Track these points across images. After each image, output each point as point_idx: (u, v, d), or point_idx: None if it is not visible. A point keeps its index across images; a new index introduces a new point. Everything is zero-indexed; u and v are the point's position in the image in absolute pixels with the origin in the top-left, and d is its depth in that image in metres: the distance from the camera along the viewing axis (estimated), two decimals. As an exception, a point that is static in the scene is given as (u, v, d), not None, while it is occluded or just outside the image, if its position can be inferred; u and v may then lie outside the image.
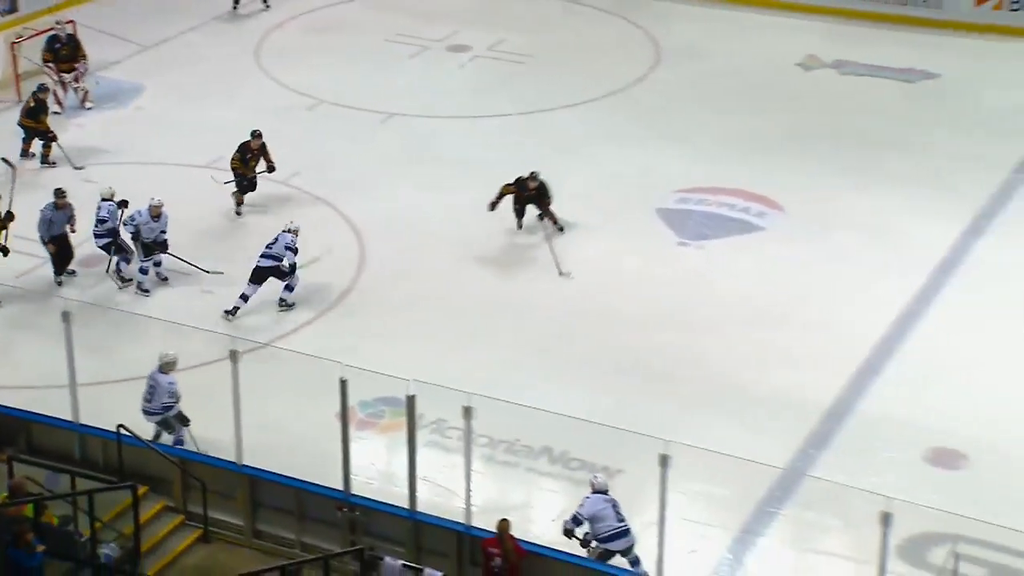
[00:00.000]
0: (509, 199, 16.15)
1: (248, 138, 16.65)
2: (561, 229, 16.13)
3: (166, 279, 15.08)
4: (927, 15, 22.16)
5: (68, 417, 12.03)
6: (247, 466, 11.58)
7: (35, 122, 17.64)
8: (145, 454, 11.58)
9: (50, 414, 12.16)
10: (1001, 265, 15.48)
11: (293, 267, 14.50)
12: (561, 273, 15.20)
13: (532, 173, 16.03)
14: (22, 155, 17.58)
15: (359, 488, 11.45)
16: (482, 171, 17.72)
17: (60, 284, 14.98)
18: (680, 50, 21.65)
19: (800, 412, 12.99)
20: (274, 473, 11.59)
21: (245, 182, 16.63)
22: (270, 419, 12.27)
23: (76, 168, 17.57)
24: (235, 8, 23.10)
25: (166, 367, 11.93)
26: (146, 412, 11.99)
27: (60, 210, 14.91)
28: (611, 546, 10.92)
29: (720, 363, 13.84)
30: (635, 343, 14.17)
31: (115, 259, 15.06)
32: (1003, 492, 11.96)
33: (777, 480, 11.85)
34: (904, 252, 15.76)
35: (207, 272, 15.11)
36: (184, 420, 12.06)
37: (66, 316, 11.75)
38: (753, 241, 16.17)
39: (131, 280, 15.08)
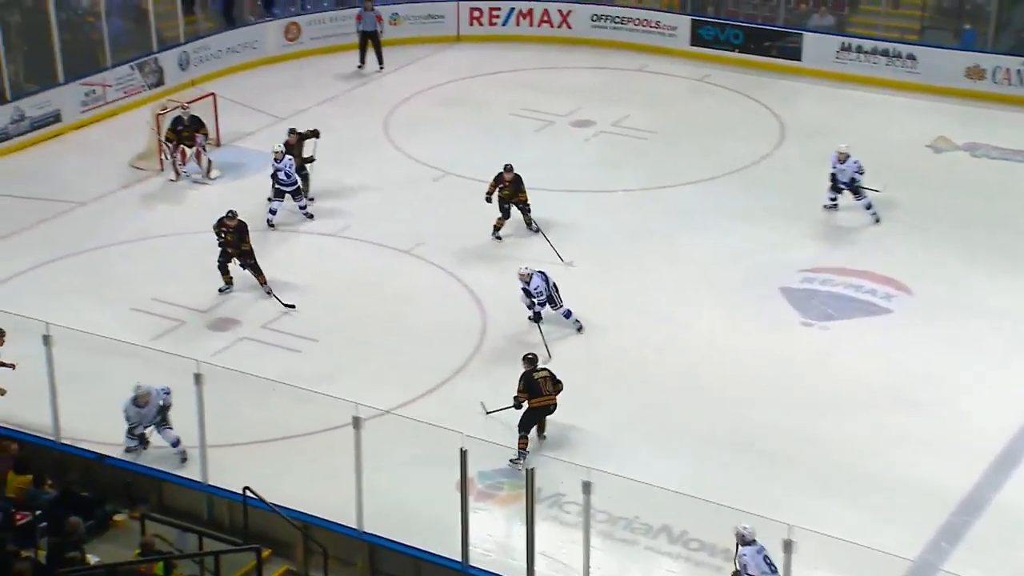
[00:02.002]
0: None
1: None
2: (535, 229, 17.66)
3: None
4: (1062, 98, 21.80)
5: (198, 478, 12.31)
6: (368, 533, 11.67)
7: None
8: (269, 517, 11.74)
9: (181, 475, 12.48)
10: None
11: None
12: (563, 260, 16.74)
13: (506, 165, 17.51)
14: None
15: (477, 559, 11.45)
16: (604, 244, 17.83)
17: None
18: (806, 129, 21.56)
19: (929, 502, 12.63)
20: (394, 541, 11.65)
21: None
22: (390, 486, 12.38)
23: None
24: (361, 67, 23.97)
25: (140, 399, 12.81)
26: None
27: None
28: None
29: (843, 446, 13.57)
30: (755, 421, 13.99)
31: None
32: None
33: (906, 573, 11.51)
34: (1037, 339, 15.35)
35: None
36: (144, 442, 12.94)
37: (198, 378, 12.04)
38: (880, 324, 15.89)
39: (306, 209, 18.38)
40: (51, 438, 12.86)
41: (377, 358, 15.40)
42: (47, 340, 12.30)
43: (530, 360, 13.57)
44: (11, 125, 20.76)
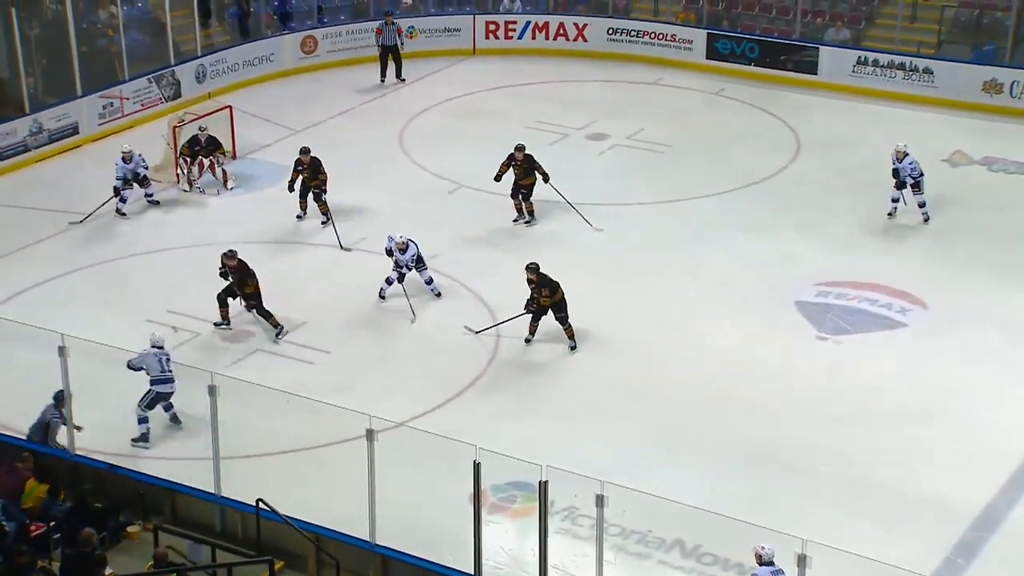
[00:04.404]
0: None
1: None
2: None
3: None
4: (1079, 112, 21.74)
5: (211, 489, 12.32)
6: (380, 545, 11.66)
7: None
8: (282, 529, 11.74)
9: (194, 486, 12.48)
10: None
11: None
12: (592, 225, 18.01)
13: (518, 145, 18.30)
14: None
15: (489, 572, 11.42)
16: (619, 257, 17.82)
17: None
18: (822, 142, 21.53)
19: (946, 516, 12.57)
20: (406, 553, 11.64)
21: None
22: (403, 498, 12.37)
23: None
24: (383, 80, 24.08)
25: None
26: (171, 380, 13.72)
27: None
28: None
29: (859, 459, 13.51)
30: (770, 435, 13.94)
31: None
32: None
33: (921, 588, 11.44)
34: (1056, 354, 15.26)
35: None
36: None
37: (212, 390, 12.06)
38: (895, 337, 15.83)
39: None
40: (65, 449, 12.88)
41: (390, 370, 15.41)
42: (62, 351, 12.32)
43: (534, 268, 15.44)
44: (30, 137, 20.91)
